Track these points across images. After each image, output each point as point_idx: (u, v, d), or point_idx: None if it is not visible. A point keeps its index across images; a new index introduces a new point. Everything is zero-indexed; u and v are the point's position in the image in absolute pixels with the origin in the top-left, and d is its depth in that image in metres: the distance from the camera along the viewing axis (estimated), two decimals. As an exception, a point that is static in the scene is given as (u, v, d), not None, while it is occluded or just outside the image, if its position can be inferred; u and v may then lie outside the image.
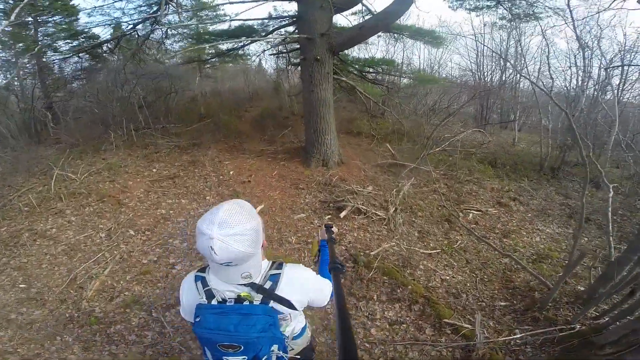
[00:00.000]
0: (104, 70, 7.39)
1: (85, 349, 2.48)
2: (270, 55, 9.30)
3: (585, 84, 6.65)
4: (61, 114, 8.27)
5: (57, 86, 8.34)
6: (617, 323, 2.29)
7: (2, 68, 8.04)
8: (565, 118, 7.62)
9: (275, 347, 1.01)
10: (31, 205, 4.36)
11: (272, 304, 1.00)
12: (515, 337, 2.50)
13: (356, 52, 9.68)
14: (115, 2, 5.27)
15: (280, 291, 1.01)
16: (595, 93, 6.53)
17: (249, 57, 8.84)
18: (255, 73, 13.33)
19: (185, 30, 7.26)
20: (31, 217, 4.18)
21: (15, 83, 8.57)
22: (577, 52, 6.67)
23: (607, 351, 2.14)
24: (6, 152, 6.23)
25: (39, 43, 6.86)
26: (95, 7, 5.69)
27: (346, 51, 7.42)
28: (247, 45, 6.95)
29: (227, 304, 0.97)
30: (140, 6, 5.33)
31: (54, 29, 7.57)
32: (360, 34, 5.20)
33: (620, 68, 6.26)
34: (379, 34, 7.33)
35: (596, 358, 2.16)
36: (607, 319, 2.48)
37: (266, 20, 6.26)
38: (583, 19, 5.41)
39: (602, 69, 6.23)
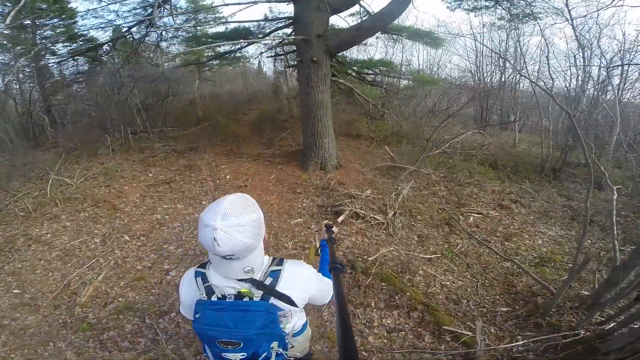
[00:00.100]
0: (102, 73, 7.37)
1: (78, 355, 2.47)
2: (268, 57, 9.29)
3: (586, 84, 6.60)
4: (59, 118, 8.27)
5: (55, 89, 8.33)
6: (623, 330, 2.22)
7: (1, 71, 8.03)
8: (565, 118, 7.58)
9: (275, 344, 1.00)
10: (27, 210, 4.34)
11: (272, 300, 0.98)
12: (517, 343, 2.43)
13: (355, 53, 9.68)
14: (109, 4, 5.23)
15: (281, 287, 1.00)
16: (596, 93, 6.48)
17: (247, 59, 8.83)
18: (255, 76, 13.34)
19: (182, 33, 7.24)
20: (27, 222, 4.16)
21: (15, 86, 8.59)
22: (577, 51, 6.64)
23: (611, 358, 2.07)
24: (4, 157, 6.21)
25: (37, 46, 6.84)
26: (88, 10, 5.66)
27: (344, 53, 7.38)
28: (244, 47, 6.92)
29: (227, 300, 0.96)
30: (135, 8, 5.31)
31: (51, 32, 7.56)
32: (357, 35, 5.15)
33: (620, 68, 6.21)
34: (378, 35, 7.30)
35: (601, 365, 2.09)
36: (612, 324, 2.41)
37: (262, 22, 6.23)
38: (582, 17, 5.35)
39: (602, 69, 6.19)
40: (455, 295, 2.97)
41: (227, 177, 5.33)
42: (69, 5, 7.31)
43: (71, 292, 3.08)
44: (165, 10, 4.71)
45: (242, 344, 0.94)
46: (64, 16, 7.27)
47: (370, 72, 7.30)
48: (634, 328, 2.12)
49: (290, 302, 1.02)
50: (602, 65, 6.26)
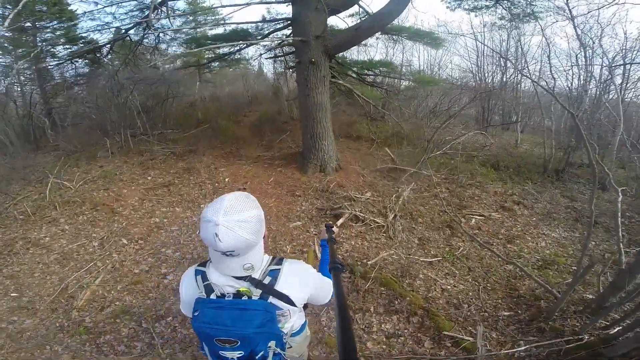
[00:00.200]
0: (103, 76, 7.38)
1: (74, 359, 2.48)
2: (267, 59, 9.27)
3: (588, 83, 6.53)
4: (59, 120, 8.28)
5: (56, 92, 8.35)
6: (629, 334, 2.16)
7: (2, 73, 8.06)
8: (568, 118, 7.51)
9: (272, 344, 0.99)
10: (26, 213, 4.36)
11: (271, 299, 0.99)
12: (519, 349, 2.37)
13: (355, 54, 9.65)
14: (106, 6, 5.23)
15: (280, 287, 1.00)
16: (598, 93, 6.41)
17: (247, 61, 8.82)
18: (255, 77, 13.33)
19: (181, 35, 7.23)
20: (25, 225, 4.19)
21: (17, 89, 8.63)
22: (579, 51, 6.57)
23: (616, 363, 2.02)
24: (5, 159, 6.24)
25: (37, 48, 6.86)
26: (85, 12, 5.66)
27: (344, 54, 7.35)
28: (242, 49, 6.90)
29: (226, 298, 0.97)
30: (132, 11, 5.30)
31: (51, 34, 7.58)
32: (356, 35, 5.11)
33: (622, 67, 6.15)
34: (378, 36, 7.28)
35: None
36: (617, 329, 2.35)
37: (261, 24, 6.20)
38: (583, 15, 5.29)
39: (605, 68, 6.12)
40: (456, 300, 2.91)
41: (226, 180, 5.30)
42: (69, 8, 7.35)
43: (68, 295, 3.08)
44: (163, 13, 4.70)
45: (239, 342, 0.93)
46: (63, 18, 7.30)
47: (370, 73, 7.25)
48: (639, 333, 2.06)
49: (289, 301, 1.02)
50: (604, 65, 6.21)
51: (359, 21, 6.29)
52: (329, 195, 4.67)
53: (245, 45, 6.40)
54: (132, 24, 5.43)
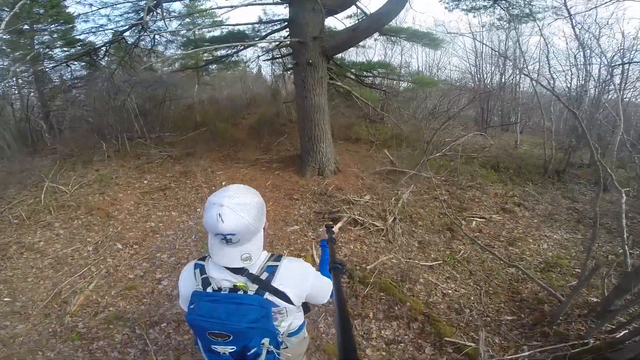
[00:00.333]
0: (100, 78, 7.35)
1: None
2: (265, 60, 9.23)
3: (587, 83, 6.51)
4: (57, 124, 8.23)
5: (54, 95, 8.31)
6: (636, 338, 2.10)
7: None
8: (567, 119, 7.48)
9: (266, 341, 0.98)
10: (21, 217, 4.32)
11: (267, 295, 0.99)
12: (523, 354, 2.31)
13: (353, 56, 9.62)
14: (100, 8, 5.19)
15: (277, 283, 1.00)
16: (597, 93, 6.38)
17: (245, 63, 8.78)
18: (254, 80, 13.32)
19: (177, 37, 7.19)
20: (20, 229, 4.15)
21: (14, 92, 8.59)
22: (577, 51, 6.55)
23: (622, 368, 1.96)
24: (2, 163, 6.22)
25: (35, 51, 6.82)
26: (79, 14, 5.62)
27: (343, 55, 7.31)
28: (240, 51, 6.86)
29: (222, 292, 0.97)
30: (127, 12, 5.26)
31: (49, 37, 7.54)
32: (354, 36, 5.08)
33: (620, 67, 6.12)
34: (376, 37, 7.24)
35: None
36: (623, 332, 2.29)
37: (257, 25, 6.17)
38: (580, 13, 5.27)
39: (604, 67, 6.10)
40: (458, 305, 2.85)
41: (223, 183, 5.25)
42: (67, 10, 7.31)
43: (62, 300, 3.04)
44: (158, 15, 4.66)
45: (231, 337, 0.93)
46: (61, 21, 7.27)
47: (369, 74, 7.21)
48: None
49: (286, 298, 1.02)
50: (603, 64, 6.18)
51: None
52: (327, 199, 4.61)
53: (242, 47, 6.35)
54: (128, 26, 5.38)
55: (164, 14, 4.97)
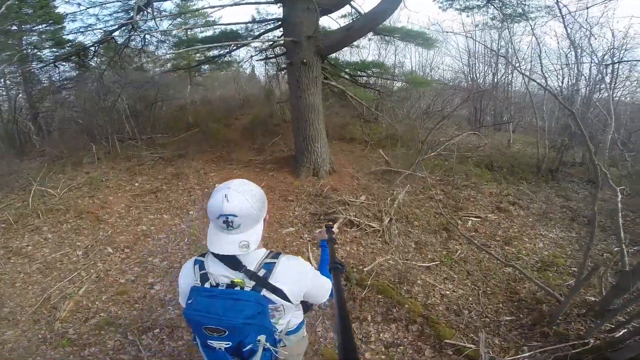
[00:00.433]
0: (90, 79, 7.21)
1: None
2: (258, 60, 9.14)
3: (579, 82, 6.58)
4: (45, 125, 8.06)
5: (42, 96, 8.14)
6: (636, 338, 2.09)
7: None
8: (559, 117, 7.54)
9: (262, 338, 0.98)
10: (8, 222, 4.22)
11: (264, 292, 0.99)
12: (523, 355, 2.30)
13: (347, 55, 9.59)
14: (89, 8, 5.07)
15: (274, 280, 1.00)
16: (588, 92, 6.45)
17: (238, 63, 8.70)
18: (247, 80, 13.21)
19: (169, 37, 7.07)
20: (7, 234, 4.06)
21: (2, 93, 8.39)
22: (569, 50, 6.60)
23: (623, 367, 1.94)
24: (-11, 166, 6.04)
25: (22, 51, 6.67)
26: (67, 14, 5.48)
27: (337, 55, 7.27)
28: (233, 51, 6.78)
29: (219, 288, 0.98)
30: (116, 12, 5.14)
31: (37, 38, 7.38)
32: (348, 35, 5.04)
33: (611, 66, 6.19)
34: (370, 37, 7.23)
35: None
36: (622, 332, 2.29)
37: (250, 25, 6.09)
38: (572, 12, 5.29)
39: (595, 66, 6.16)
40: (456, 306, 2.82)
41: (216, 185, 5.11)
42: (56, 11, 7.15)
43: (51, 306, 2.97)
44: (148, 14, 4.56)
45: (227, 332, 0.93)
46: (50, 21, 7.11)
47: (363, 74, 7.19)
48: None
49: (283, 296, 1.02)
50: (593, 63, 6.25)
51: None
52: (322, 200, 4.55)
53: (235, 47, 6.27)
54: (117, 26, 5.26)
55: (155, 14, 4.87)
